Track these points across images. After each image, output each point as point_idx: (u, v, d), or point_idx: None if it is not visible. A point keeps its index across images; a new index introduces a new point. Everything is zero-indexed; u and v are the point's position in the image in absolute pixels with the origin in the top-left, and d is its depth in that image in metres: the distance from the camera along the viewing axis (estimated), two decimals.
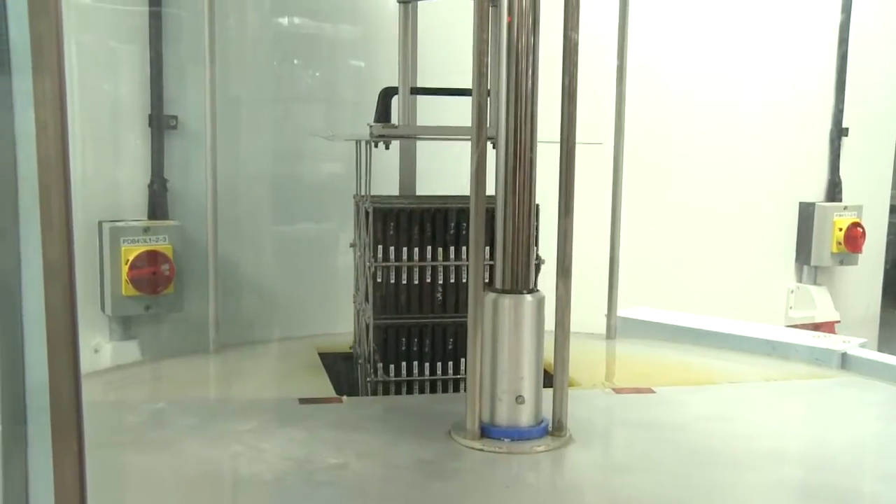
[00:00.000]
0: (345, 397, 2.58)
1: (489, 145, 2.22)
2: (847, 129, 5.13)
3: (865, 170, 5.22)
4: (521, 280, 2.22)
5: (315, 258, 3.84)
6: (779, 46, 4.84)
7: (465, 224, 2.65)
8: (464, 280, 2.67)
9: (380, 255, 2.66)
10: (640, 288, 3.98)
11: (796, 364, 3.09)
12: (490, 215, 2.22)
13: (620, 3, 3.27)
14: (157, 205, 3.54)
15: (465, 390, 2.26)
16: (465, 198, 2.20)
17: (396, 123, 2.94)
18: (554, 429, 2.24)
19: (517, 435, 2.19)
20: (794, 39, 4.92)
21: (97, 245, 3.44)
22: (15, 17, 1.02)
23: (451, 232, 2.70)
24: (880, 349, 3.63)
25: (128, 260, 3.38)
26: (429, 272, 2.70)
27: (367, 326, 2.73)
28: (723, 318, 3.52)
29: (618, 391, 2.71)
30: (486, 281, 2.32)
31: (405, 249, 2.68)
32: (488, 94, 2.24)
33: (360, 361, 2.84)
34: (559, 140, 2.19)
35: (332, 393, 2.65)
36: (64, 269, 1.04)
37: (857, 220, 5.09)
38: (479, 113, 2.12)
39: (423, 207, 2.70)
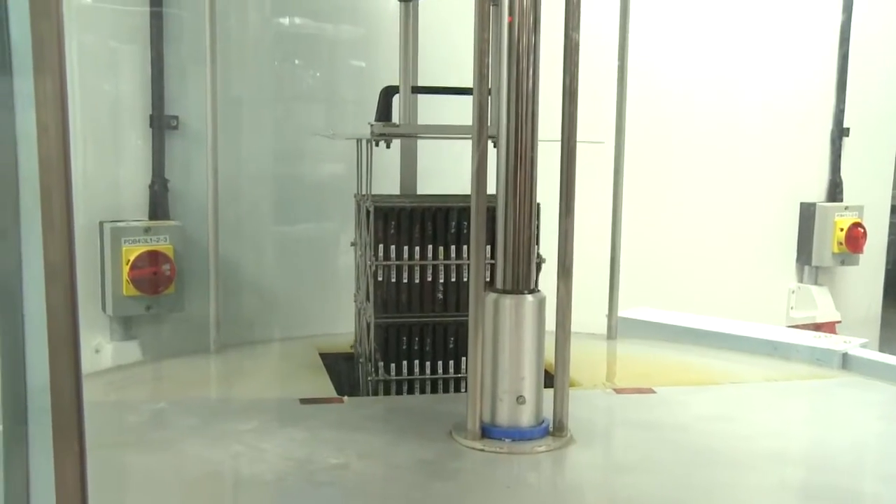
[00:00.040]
0: (346, 397, 2.58)
1: (490, 144, 2.22)
2: (848, 129, 5.13)
3: (866, 170, 5.21)
4: (522, 280, 2.22)
5: (316, 258, 3.84)
6: (780, 46, 4.83)
7: (465, 223, 2.65)
8: (465, 279, 2.67)
9: (381, 253, 2.66)
10: (641, 288, 3.97)
11: (797, 364, 3.09)
12: (491, 214, 2.23)
13: (621, 2, 3.27)
14: (158, 205, 3.54)
15: (465, 389, 2.26)
16: (465, 197, 2.20)
17: (397, 122, 2.95)
18: (555, 429, 2.24)
19: (518, 435, 2.19)
20: (795, 39, 4.91)
21: (98, 245, 3.44)
22: (16, 18, 1.02)
23: (452, 231, 2.70)
24: (881, 349, 3.62)
25: (129, 260, 3.38)
26: (430, 271, 2.70)
27: (368, 325, 2.73)
28: (724, 318, 3.52)
29: (619, 391, 2.71)
30: (487, 280, 2.32)
31: (406, 248, 2.68)
32: (489, 93, 2.24)
33: (360, 361, 2.84)
34: (560, 139, 2.19)
35: (332, 393, 2.65)
36: (65, 269, 1.05)
37: (859, 220, 5.09)
38: (480, 113, 2.12)
39: (424, 206, 2.70)
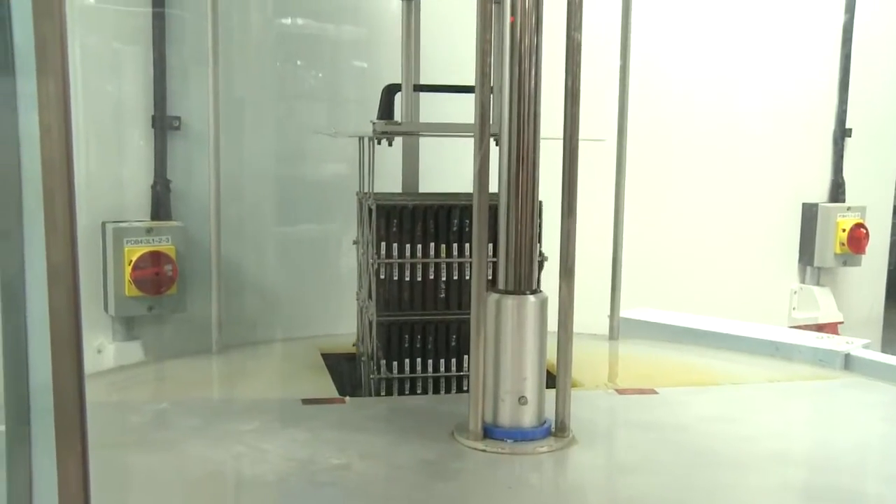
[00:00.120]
0: (347, 398, 2.59)
1: (492, 143, 2.22)
2: (850, 130, 5.13)
3: (869, 170, 5.21)
4: (524, 280, 2.23)
5: (318, 259, 3.84)
6: (782, 47, 4.83)
7: (467, 221, 2.65)
8: (466, 277, 2.67)
9: (383, 251, 2.67)
10: (642, 289, 3.97)
11: (799, 365, 3.09)
12: (493, 213, 2.23)
13: (623, 2, 3.27)
14: (161, 205, 3.54)
15: (467, 387, 2.26)
16: (468, 195, 2.20)
17: (399, 120, 2.95)
18: (557, 429, 2.24)
19: (520, 436, 2.19)
20: (797, 40, 4.91)
21: (101, 246, 3.44)
22: (19, 19, 1.02)
23: (454, 229, 2.70)
24: (884, 350, 3.62)
25: (131, 261, 3.38)
26: (432, 269, 2.70)
27: (371, 323, 2.73)
28: (726, 318, 3.52)
29: (621, 392, 2.71)
30: (489, 279, 2.32)
31: (408, 246, 2.68)
32: (491, 92, 2.24)
33: (363, 359, 2.84)
34: (562, 139, 2.19)
35: (334, 393, 2.65)
36: (67, 270, 1.05)
37: (861, 220, 5.08)
38: (483, 111, 2.12)
39: (426, 204, 2.70)
